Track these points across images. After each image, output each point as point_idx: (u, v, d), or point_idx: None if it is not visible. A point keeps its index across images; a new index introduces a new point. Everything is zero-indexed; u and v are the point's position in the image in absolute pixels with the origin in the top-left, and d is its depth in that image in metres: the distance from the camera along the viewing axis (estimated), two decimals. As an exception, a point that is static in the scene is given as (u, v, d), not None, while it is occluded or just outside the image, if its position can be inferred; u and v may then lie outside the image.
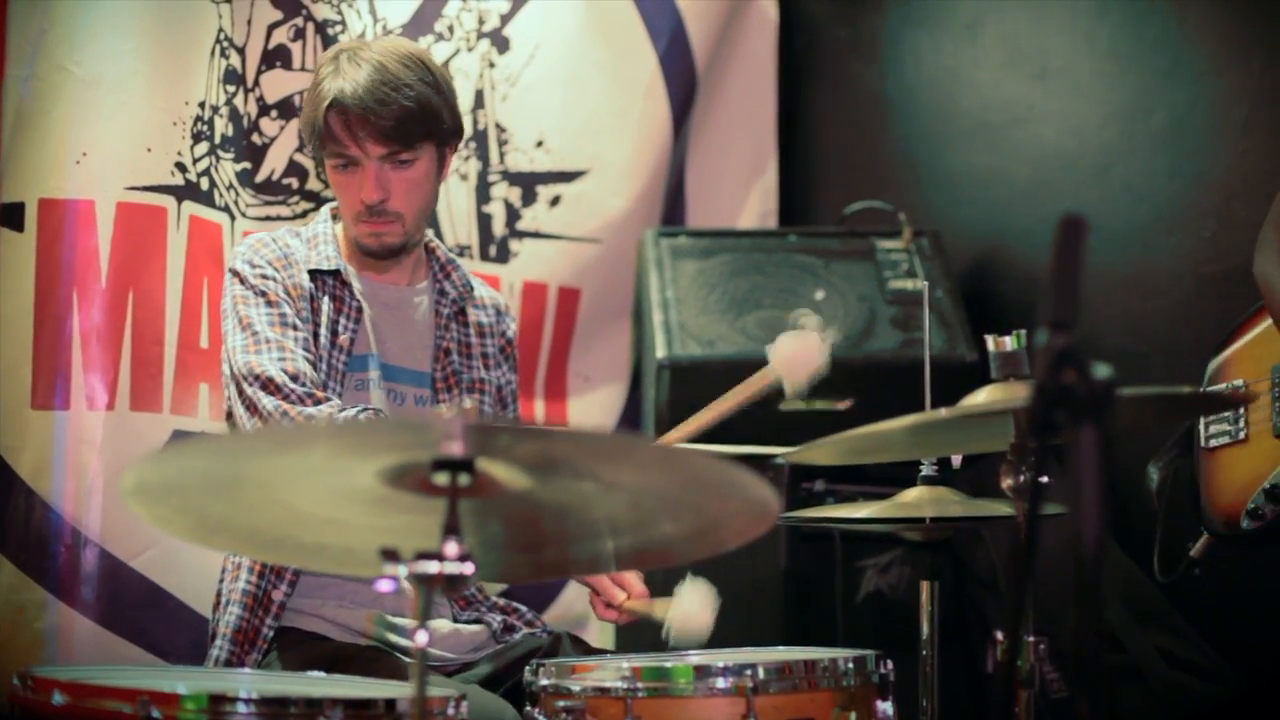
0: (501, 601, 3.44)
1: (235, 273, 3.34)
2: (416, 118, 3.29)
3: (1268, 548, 3.58)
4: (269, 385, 3.19)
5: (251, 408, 3.20)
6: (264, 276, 3.31)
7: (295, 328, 3.28)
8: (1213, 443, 3.58)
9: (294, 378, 3.19)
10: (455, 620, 3.34)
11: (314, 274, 3.37)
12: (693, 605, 3.07)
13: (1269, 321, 3.52)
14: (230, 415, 3.30)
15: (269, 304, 3.28)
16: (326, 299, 3.35)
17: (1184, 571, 3.69)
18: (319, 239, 3.42)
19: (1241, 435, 3.52)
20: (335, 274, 3.37)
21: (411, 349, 3.43)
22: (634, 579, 3.32)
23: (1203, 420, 3.62)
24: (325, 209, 3.51)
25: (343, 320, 3.35)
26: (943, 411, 2.75)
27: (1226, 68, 4.49)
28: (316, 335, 3.31)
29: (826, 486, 4.39)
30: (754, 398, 3.19)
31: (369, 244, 3.37)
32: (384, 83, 3.26)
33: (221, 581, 3.33)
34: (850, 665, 2.81)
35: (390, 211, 3.32)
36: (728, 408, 3.18)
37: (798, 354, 3.11)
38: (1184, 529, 3.67)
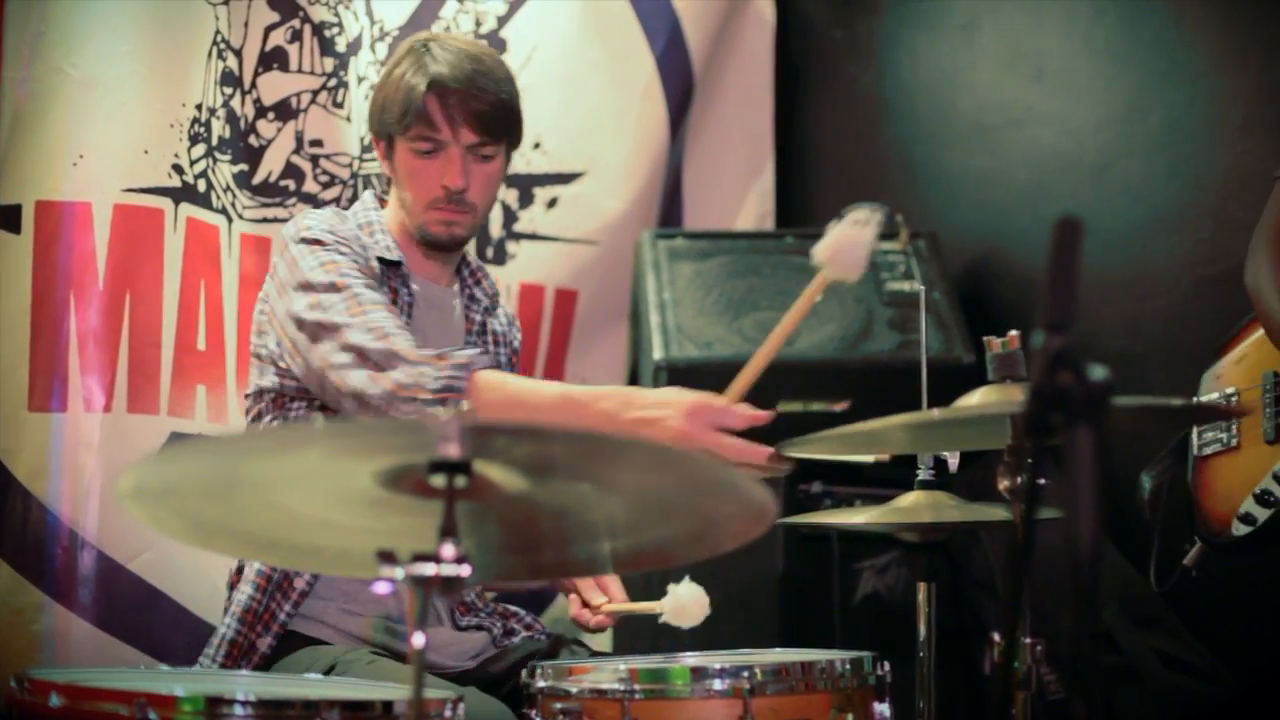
0: (500, 606, 3.44)
1: (315, 240, 3.20)
2: (507, 111, 3.34)
3: (1261, 553, 3.58)
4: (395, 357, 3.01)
5: (374, 376, 3.00)
6: (345, 250, 3.22)
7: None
8: (1206, 450, 3.59)
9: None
10: (456, 627, 3.34)
11: (380, 261, 3.32)
12: (686, 599, 3.08)
13: (1262, 330, 3.52)
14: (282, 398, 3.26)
15: (363, 276, 3.19)
16: (385, 289, 3.29)
17: (1178, 580, 3.69)
18: (374, 228, 3.36)
19: (1234, 443, 3.53)
20: (397, 265, 3.33)
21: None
22: (614, 584, 3.32)
23: (1195, 428, 3.62)
24: (368, 196, 3.46)
25: (399, 313, 3.25)
26: (935, 412, 2.75)
27: (1224, 69, 4.50)
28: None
29: (824, 489, 4.40)
30: (811, 306, 3.01)
31: (438, 233, 3.34)
32: (483, 72, 3.31)
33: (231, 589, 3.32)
34: (847, 667, 2.81)
35: (468, 202, 3.32)
36: (791, 324, 2.97)
37: (841, 242, 2.96)
38: (1179, 537, 3.67)
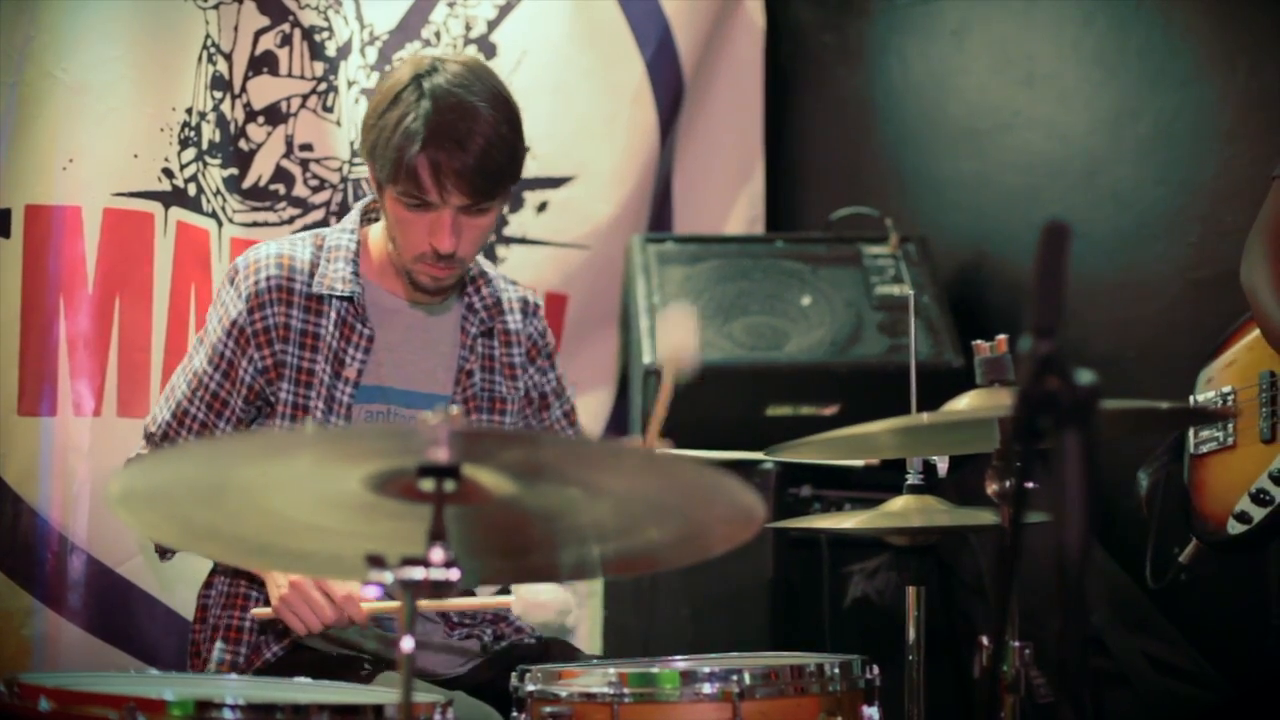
0: (490, 614, 3.42)
1: (230, 281, 3.25)
2: (505, 170, 3.14)
3: (1256, 552, 3.58)
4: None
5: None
6: (255, 312, 3.20)
7: (224, 405, 3.23)
8: (1202, 449, 3.59)
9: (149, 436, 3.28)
10: (449, 635, 3.33)
11: (322, 299, 3.23)
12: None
13: (1253, 334, 3.53)
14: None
15: (223, 368, 3.22)
16: (332, 326, 3.22)
17: (1173, 578, 3.69)
18: (339, 253, 3.27)
19: (1230, 441, 3.53)
20: (349, 300, 3.24)
21: (433, 372, 3.32)
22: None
23: (1192, 426, 3.63)
24: (356, 211, 3.37)
25: (351, 351, 3.23)
26: (924, 416, 2.75)
27: (1212, 74, 4.50)
28: (310, 371, 3.20)
29: (813, 492, 4.40)
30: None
31: (424, 284, 3.23)
32: (480, 134, 3.07)
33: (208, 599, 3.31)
34: (837, 670, 2.81)
35: (457, 258, 3.17)
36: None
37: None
38: (1174, 535, 3.67)
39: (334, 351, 3.22)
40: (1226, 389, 3.57)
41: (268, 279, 3.21)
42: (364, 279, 3.28)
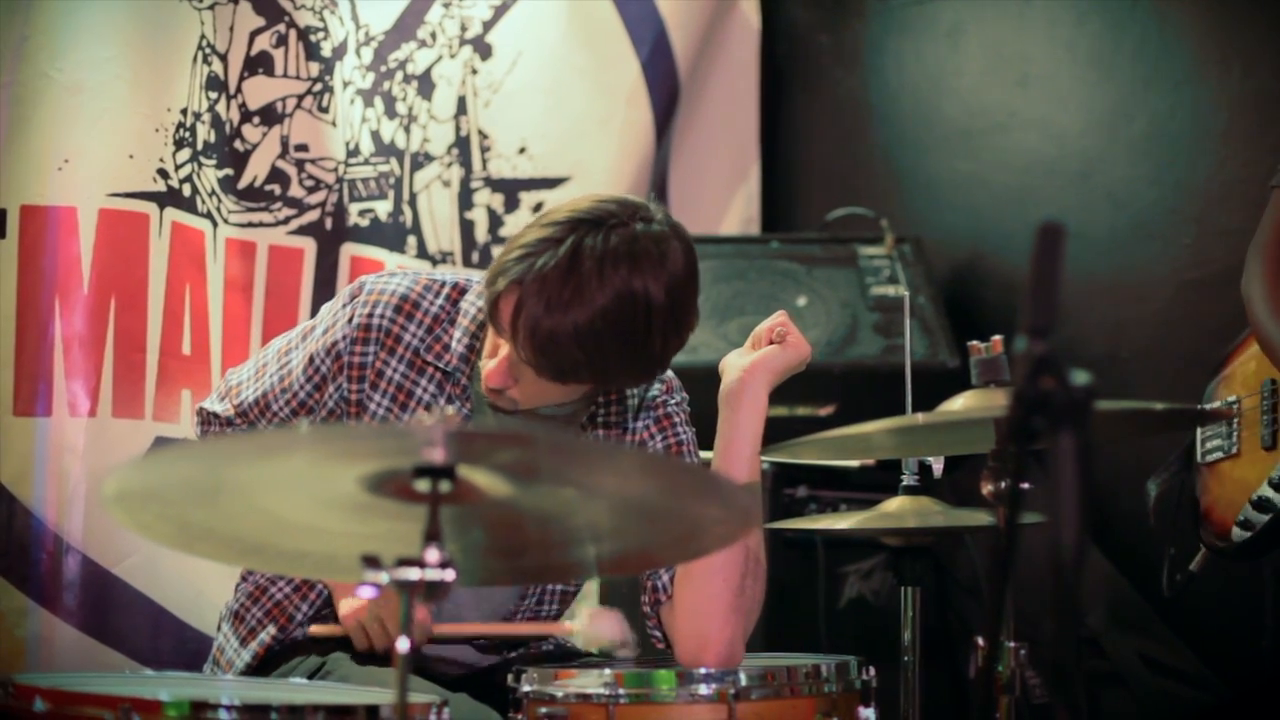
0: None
1: (341, 314, 3.02)
2: (585, 379, 2.83)
3: (1260, 559, 3.59)
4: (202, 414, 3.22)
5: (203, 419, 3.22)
6: (357, 344, 2.99)
7: (310, 413, 3.04)
8: (1209, 457, 3.60)
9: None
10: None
11: (427, 366, 3.00)
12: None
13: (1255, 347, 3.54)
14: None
15: (315, 380, 3.03)
16: (433, 387, 3.00)
17: (1185, 586, 3.70)
18: (462, 321, 3.00)
19: (1234, 450, 3.54)
20: (450, 375, 3.00)
21: None
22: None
23: (1200, 434, 3.63)
24: None
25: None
26: (920, 417, 2.76)
27: (1207, 75, 4.51)
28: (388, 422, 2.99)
29: (809, 493, 4.40)
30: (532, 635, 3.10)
31: (487, 397, 2.93)
32: (575, 338, 2.71)
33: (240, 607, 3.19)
34: (832, 671, 2.81)
35: (508, 398, 2.88)
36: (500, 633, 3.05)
37: (600, 626, 2.82)
38: (1186, 543, 3.67)
39: (426, 409, 2.91)
40: (1232, 398, 3.58)
41: (380, 317, 2.99)
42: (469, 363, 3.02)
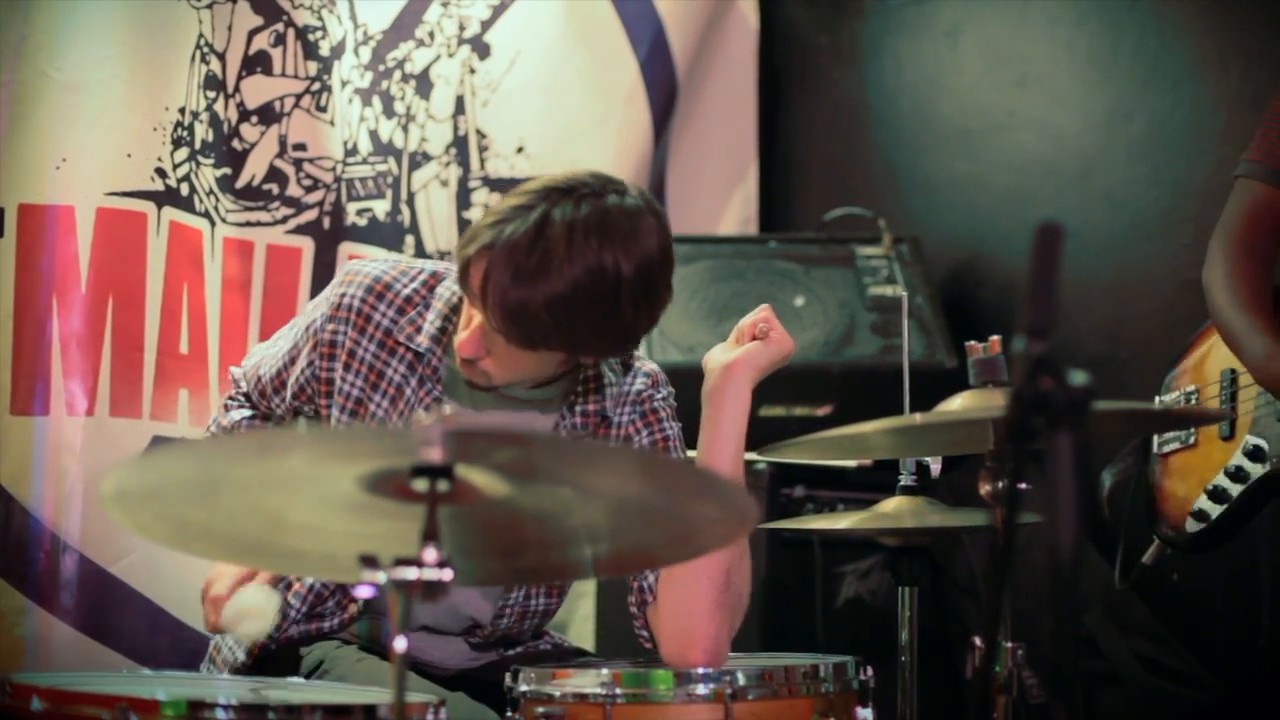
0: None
1: (323, 294, 3.07)
2: (555, 346, 2.81)
3: (1215, 550, 3.58)
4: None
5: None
6: (330, 323, 3.01)
7: (283, 386, 3.08)
8: (1165, 448, 3.60)
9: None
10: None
11: (398, 342, 3.00)
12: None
13: (1213, 338, 3.54)
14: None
15: (292, 354, 3.07)
16: (404, 368, 3.00)
17: (1138, 577, 3.70)
18: (436, 304, 3.00)
19: (1192, 440, 3.54)
20: (421, 356, 2.98)
21: None
22: None
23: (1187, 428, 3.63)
24: None
25: (418, 402, 2.98)
26: (917, 417, 2.76)
27: (1205, 75, 4.51)
28: (360, 401, 2.99)
29: (806, 493, 4.40)
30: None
31: (464, 374, 2.92)
32: (545, 306, 2.71)
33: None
34: (830, 671, 2.81)
35: (480, 369, 2.87)
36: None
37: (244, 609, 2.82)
38: (1143, 534, 3.68)
39: (397, 388, 2.99)
40: (1190, 388, 3.58)
41: (351, 298, 3.00)
42: (442, 343, 3.01)
